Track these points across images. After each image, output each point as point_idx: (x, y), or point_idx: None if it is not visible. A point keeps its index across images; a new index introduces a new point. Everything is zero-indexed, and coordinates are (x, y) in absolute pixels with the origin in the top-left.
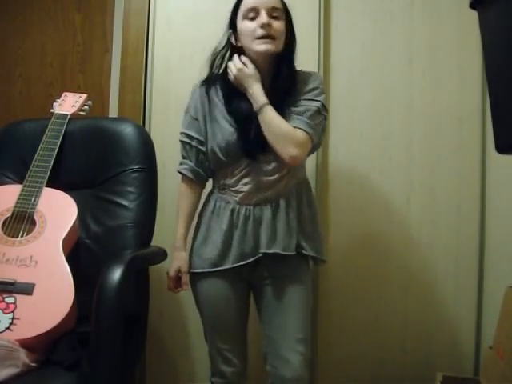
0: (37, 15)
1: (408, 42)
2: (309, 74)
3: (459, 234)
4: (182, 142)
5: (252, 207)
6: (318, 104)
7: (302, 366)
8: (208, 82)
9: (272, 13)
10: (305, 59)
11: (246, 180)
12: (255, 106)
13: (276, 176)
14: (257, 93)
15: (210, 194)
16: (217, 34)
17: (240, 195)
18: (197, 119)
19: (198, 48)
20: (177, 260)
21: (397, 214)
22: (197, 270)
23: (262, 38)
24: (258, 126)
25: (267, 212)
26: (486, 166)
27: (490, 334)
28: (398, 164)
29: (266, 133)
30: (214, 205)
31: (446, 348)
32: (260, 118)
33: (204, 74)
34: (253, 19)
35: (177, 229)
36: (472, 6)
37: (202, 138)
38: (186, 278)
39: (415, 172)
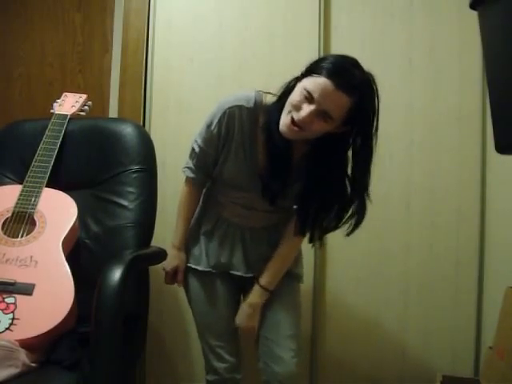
0: (37, 15)
1: (408, 42)
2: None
3: (459, 234)
4: (196, 151)
5: (234, 225)
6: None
7: (293, 362)
8: (237, 110)
9: (324, 115)
10: (305, 59)
11: (236, 208)
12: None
13: (266, 214)
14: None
15: (206, 195)
16: (217, 35)
17: (228, 212)
18: (218, 139)
19: (198, 48)
20: (175, 259)
21: (397, 214)
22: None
23: (293, 123)
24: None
25: (248, 239)
26: (486, 166)
27: (490, 333)
28: (397, 164)
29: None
30: (207, 205)
31: (446, 348)
32: None
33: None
34: (306, 98)
35: (176, 228)
36: (472, 6)
37: (216, 156)
38: (181, 277)
39: (415, 172)
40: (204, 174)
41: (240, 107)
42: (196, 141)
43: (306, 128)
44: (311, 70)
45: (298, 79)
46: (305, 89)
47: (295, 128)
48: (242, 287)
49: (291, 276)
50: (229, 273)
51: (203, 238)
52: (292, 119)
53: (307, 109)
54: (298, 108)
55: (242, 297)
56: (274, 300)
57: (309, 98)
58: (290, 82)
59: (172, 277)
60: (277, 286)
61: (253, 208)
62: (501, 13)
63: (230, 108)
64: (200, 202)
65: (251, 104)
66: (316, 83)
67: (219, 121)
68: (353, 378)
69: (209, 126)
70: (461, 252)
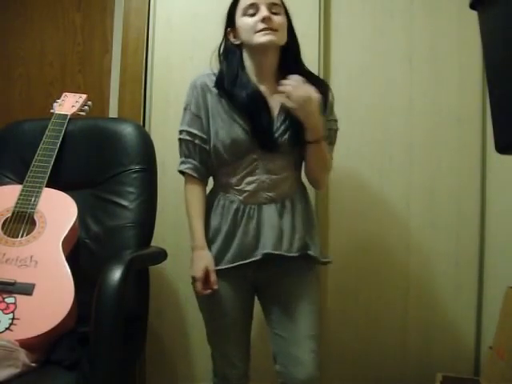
0: (37, 15)
1: (408, 42)
2: (320, 81)
3: (459, 234)
4: (183, 140)
5: (256, 206)
6: (337, 124)
7: (314, 365)
8: (207, 78)
9: (272, 8)
10: (305, 59)
11: (250, 179)
12: (314, 137)
13: (280, 175)
14: (319, 123)
15: (212, 193)
16: (217, 34)
17: (244, 194)
18: (199, 116)
19: (199, 48)
20: (202, 259)
21: (397, 215)
22: None
23: (263, 30)
24: (270, 118)
25: (272, 212)
26: (486, 166)
27: (490, 333)
28: (397, 164)
29: (313, 163)
30: (218, 204)
31: (446, 348)
32: (314, 149)
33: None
34: (252, 15)
35: (192, 229)
36: (472, 6)
37: (205, 136)
38: (214, 277)
39: (415, 172)
40: (197, 160)
41: (208, 75)
42: (180, 131)
43: (273, 25)
44: (231, 14)
45: (227, 35)
46: (246, 12)
47: (268, 31)
48: (255, 288)
49: (310, 261)
50: (241, 274)
51: (223, 237)
52: (262, 29)
53: (261, 12)
54: (256, 22)
55: (255, 301)
56: (291, 294)
57: (254, 10)
58: (224, 43)
59: (205, 282)
60: (298, 276)
61: (263, 170)
62: (500, 13)
63: (198, 80)
64: (212, 213)
65: (216, 71)
66: None
67: (194, 96)
68: (353, 378)
69: (186, 107)
70: (461, 252)
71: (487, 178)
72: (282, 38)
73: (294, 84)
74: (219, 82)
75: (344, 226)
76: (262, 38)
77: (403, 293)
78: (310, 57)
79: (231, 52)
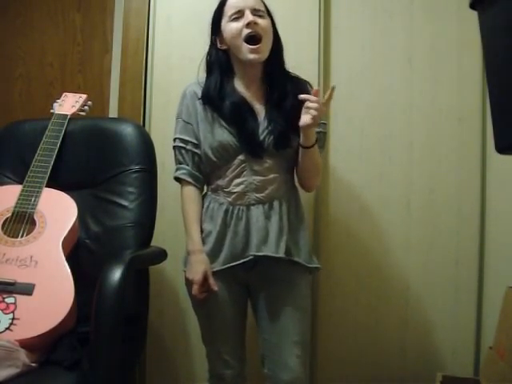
0: (37, 15)
1: (408, 42)
2: (305, 83)
3: (459, 234)
4: (177, 147)
5: (245, 207)
6: (325, 127)
7: (299, 369)
8: (195, 86)
9: (256, 12)
10: (305, 59)
11: (237, 180)
12: (309, 143)
13: (268, 177)
14: (314, 130)
15: (204, 196)
16: None
17: (233, 196)
18: (190, 123)
19: (199, 48)
20: (201, 263)
21: (397, 215)
22: None
23: (249, 39)
24: (255, 123)
25: (260, 213)
26: (485, 166)
27: (490, 333)
28: (397, 164)
29: (305, 167)
30: (208, 207)
31: (446, 348)
32: (307, 154)
33: (200, 76)
34: (237, 19)
35: (189, 233)
36: (472, 6)
37: (196, 142)
38: (213, 280)
39: (415, 172)
40: (190, 166)
41: (196, 84)
42: (174, 139)
43: (258, 30)
44: (217, 21)
45: (213, 42)
46: (231, 18)
47: (256, 45)
48: (247, 289)
49: (299, 266)
50: (233, 275)
51: (215, 239)
52: (248, 37)
53: (246, 17)
54: (242, 27)
55: (248, 302)
56: (281, 302)
57: (239, 14)
58: (210, 51)
59: (202, 285)
60: (285, 282)
61: (251, 172)
62: (500, 13)
63: (187, 89)
64: (202, 215)
65: (203, 80)
66: (232, 5)
67: (184, 104)
68: (353, 378)
69: (178, 116)
70: (461, 252)
71: (487, 177)
72: (267, 50)
73: (317, 107)
74: (205, 98)
75: (344, 225)
76: (250, 56)
77: (403, 292)
78: (309, 57)
79: (216, 62)
